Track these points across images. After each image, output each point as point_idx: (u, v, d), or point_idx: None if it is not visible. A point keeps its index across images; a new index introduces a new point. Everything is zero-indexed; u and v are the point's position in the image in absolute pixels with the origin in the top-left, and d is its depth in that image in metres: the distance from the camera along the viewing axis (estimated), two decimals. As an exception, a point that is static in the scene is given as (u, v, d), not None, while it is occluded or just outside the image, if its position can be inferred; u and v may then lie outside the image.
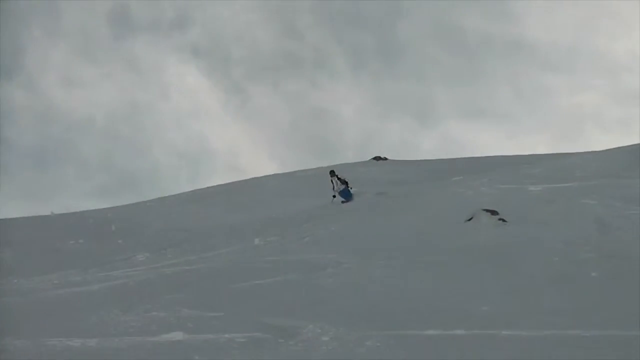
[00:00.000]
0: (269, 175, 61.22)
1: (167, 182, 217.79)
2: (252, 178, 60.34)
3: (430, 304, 20.17)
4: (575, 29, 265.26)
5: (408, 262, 25.93)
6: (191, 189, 60.41)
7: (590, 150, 55.84)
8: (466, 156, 62.98)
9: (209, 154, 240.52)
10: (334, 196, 41.69)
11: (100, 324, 17.75)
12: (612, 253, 25.70)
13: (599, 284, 22.29)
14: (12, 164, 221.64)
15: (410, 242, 29.18)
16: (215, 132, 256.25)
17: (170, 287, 23.20)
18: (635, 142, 55.37)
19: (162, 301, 20.38)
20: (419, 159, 62.14)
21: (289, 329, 16.74)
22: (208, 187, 59.26)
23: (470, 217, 33.25)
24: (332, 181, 42.27)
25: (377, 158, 63.20)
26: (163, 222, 44.14)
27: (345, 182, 42.39)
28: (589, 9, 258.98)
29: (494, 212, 33.35)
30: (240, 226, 39.12)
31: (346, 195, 42.34)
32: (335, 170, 44.48)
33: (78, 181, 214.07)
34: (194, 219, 44.25)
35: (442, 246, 28.27)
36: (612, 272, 23.28)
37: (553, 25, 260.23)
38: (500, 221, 32.44)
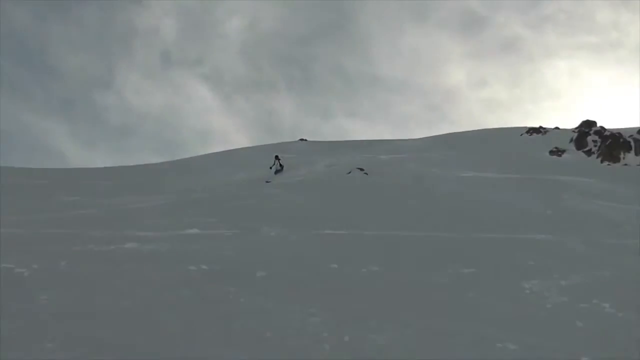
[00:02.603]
0: (246, 148, 59.80)
1: (191, 148, 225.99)
2: (234, 149, 59.07)
3: (326, 217, 20.37)
4: (407, 66, 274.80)
5: (314, 193, 26.24)
6: (203, 153, 58.45)
7: (413, 137, 56.53)
8: (347, 139, 63.05)
9: (211, 133, 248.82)
10: (275, 172, 36.58)
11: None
12: (423, 191, 26.26)
13: (415, 206, 22.78)
14: (103, 136, 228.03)
15: (313, 185, 29.38)
16: (215, 121, 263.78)
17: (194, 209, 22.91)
18: (438, 133, 56.39)
19: (189, 214, 20.11)
20: (323, 140, 62.13)
21: (252, 229, 16.80)
22: (209, 154, 57.69)
23: (349, 171, 33.81)
24: (274, 161, 37.32)
25: (302, 139, 62.53)
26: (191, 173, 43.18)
27: (282, 165, 37.32)
28: (418, 52, 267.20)
29: (361, 169, 34.04)
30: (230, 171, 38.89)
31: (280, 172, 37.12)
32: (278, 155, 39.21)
33: (146, 144, 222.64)
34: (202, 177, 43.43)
35: (333, 187, 28.60)
36: (422, 201, 23.80)
37: (394, 63, 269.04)
38: (365, 174, 33.00)
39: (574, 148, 43.49)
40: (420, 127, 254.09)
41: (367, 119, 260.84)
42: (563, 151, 42.90)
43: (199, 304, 8.71)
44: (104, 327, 7.27)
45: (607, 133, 42.91)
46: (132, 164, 50.58)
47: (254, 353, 6.81)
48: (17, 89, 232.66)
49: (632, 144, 40.70)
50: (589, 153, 42.44)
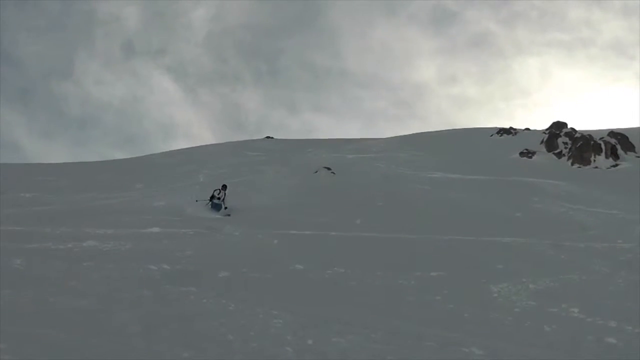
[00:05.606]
0: (210, 145, 58.86)
1: (153, 142, 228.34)
2: (198, 146, 58.17)
3: (292, 217, 20.42)
4: (376, 61, 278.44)
5: (280, 192, 26.21)
6: (166, 150, 57.87)
7: (382, 134, 56.83)
8: (315, 138, 62.93)
9: (174, 127, 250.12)
10: (205, 201, 23.61)
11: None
12: (391, 191, 26.36)
13: (382, 206, 22.88)
14: (62, 128, 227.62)
15: (280, 185, 29.24)
16: (178, 115, 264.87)
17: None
18: (405, 133, 56.72)
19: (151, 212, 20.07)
20: (290, 138, 61.64)
21: (217, 228, 16.84)
22: (172, 150, 56.71)
23: (316, 170, 33.74)
24: (219, 191, 24.10)
25: (268, 137, 61.85)
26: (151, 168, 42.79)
27: (222, 200, 23.58)
28: (388, 47, 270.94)
29: (328, 168, 33.98)
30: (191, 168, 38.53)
31: (217, 207, 23.22)
32: (226, 185, 24.77)
33: (106, 137, 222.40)
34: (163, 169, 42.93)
35: (299, 187, 28.52)
36: (390, 201, 23.91)
37: (363, 58, 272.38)
38: (332, 173, 32.98)
39: (544, 150, 43.98)
40: (388, 123, 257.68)
41: (334, 114, 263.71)
42: (533, 153, 43.41)
43: (159, 305, 8.66)
44: (59, 327, 7.17)
45: (577, 135, 43.51)
46: (92, 160, 50.04)
47: (214, 356, 6.78)
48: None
49: (603, 146, 41.28)
50: (559, 155, 42.99)
